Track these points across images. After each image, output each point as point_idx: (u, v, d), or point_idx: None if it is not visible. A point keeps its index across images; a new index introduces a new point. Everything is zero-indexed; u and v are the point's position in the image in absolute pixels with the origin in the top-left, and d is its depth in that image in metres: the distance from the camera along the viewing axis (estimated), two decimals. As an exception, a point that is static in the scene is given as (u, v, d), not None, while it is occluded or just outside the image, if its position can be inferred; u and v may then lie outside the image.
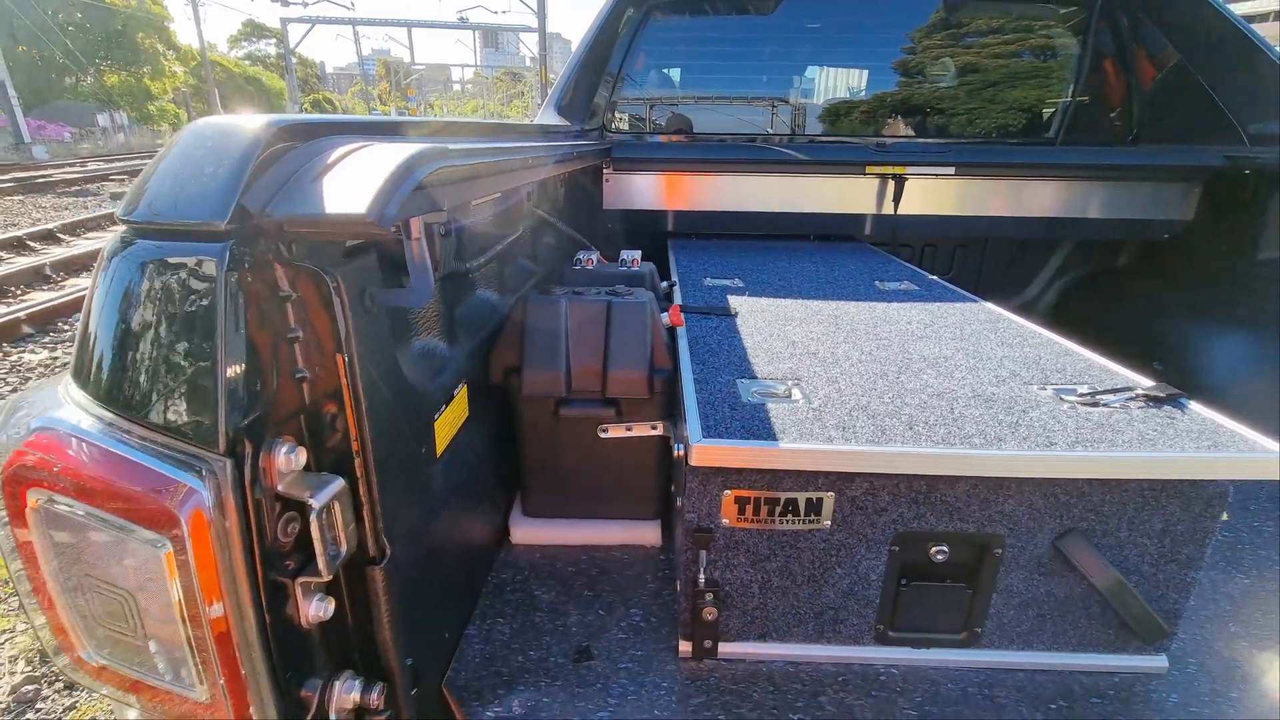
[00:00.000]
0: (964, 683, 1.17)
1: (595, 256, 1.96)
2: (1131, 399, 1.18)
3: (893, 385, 1.25)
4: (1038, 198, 2.72)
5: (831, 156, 2.63)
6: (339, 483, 0.65)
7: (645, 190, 2.75)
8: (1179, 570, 1.12)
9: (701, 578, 1.16)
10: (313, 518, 0.61)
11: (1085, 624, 1.17)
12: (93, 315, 0.59)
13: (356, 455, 0.69)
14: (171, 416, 0.55)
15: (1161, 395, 1.18)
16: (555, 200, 2.17)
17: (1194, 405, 1.18)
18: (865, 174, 2.62)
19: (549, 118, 2.48)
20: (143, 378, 0.56)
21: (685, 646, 1.23)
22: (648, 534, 1.59)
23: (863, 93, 3.25)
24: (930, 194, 2.71)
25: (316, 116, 0.69)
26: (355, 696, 0.73)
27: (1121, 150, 2.72)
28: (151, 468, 0.54)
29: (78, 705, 2.06)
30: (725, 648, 1.22)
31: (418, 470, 1.02)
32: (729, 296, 1.89)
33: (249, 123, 0.60)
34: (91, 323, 0.59)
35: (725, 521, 1.13)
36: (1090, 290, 3.07)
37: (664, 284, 1.98)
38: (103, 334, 0.58)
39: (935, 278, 2.17)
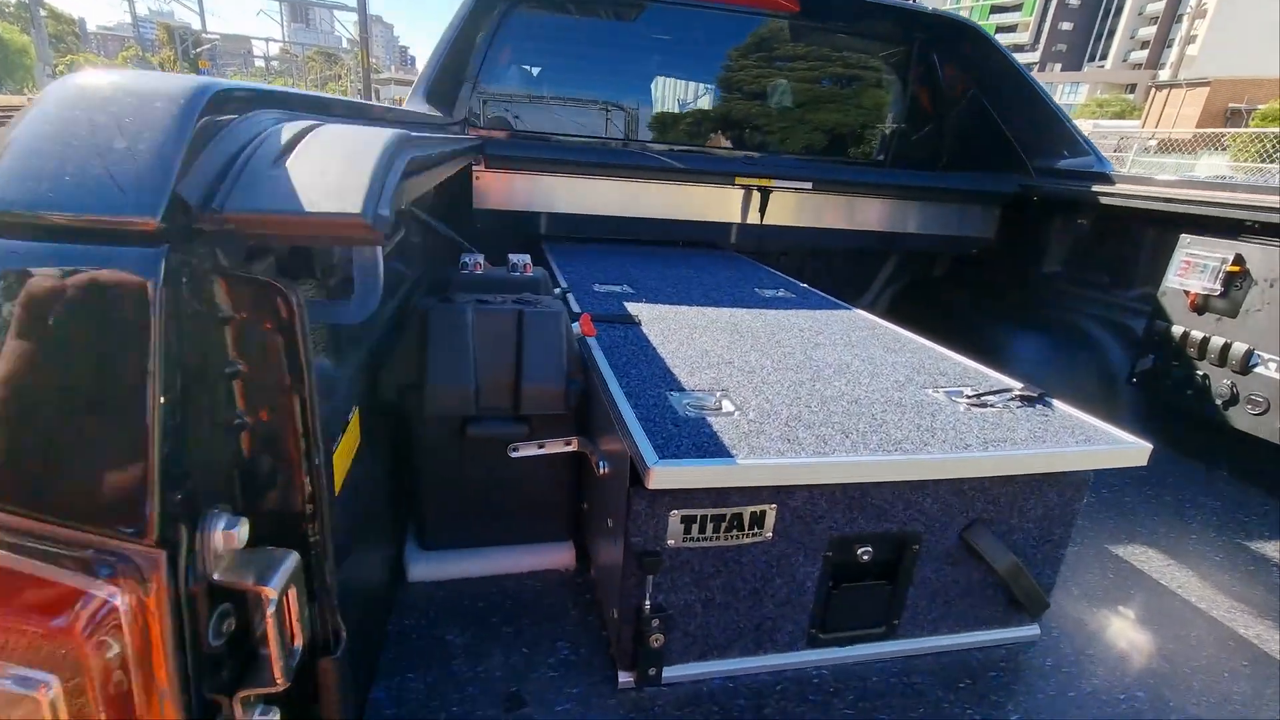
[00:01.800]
0: (886, 674, 1.24)
1: (481, 260, 1.81)
2: (1011, 399, 1.33)
3: (813, 394, 1.29)
4: (874, 213, 3.01)
5: (706, 166, 2.70)
6: (293, 558, 0.50)
7: (519, 190, 2.62)
8: (1053, 549, 1.28)
9: (648, 604, 1.10)
10: (269, 610, 0.46)
11: (980, 605, 1.30)
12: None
13: (309, 519, 0.54)
14: (76, 500, 0.38)
15: (1033, 395, 1.35)
16: (424, 197, 1.98)
17: (1057, 404, 1.36)
18: (734, 184, 2.72)
19: (418, 105, 2.26)
20: (25, 444, 0.38)
21: (626, 677, 1.17)
22: (561, 556, 1.50)
23: (718, 108, 3.39)
24: (788, 207, 2.89)
25: (248, 84, 0.53)
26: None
27: (939, 174, 3.12)
28: (44, 577, 0.36)
29: None
30: (667, 672, 1.18)
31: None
32: (625, 304, 1.85)
33: (166, 83, 0.44)
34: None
35: (671, 542, 1.09)
36: (915, 296, 3.48)
37: (556, 290, 1.88)
38: None
39: (805, 285, 2.31)
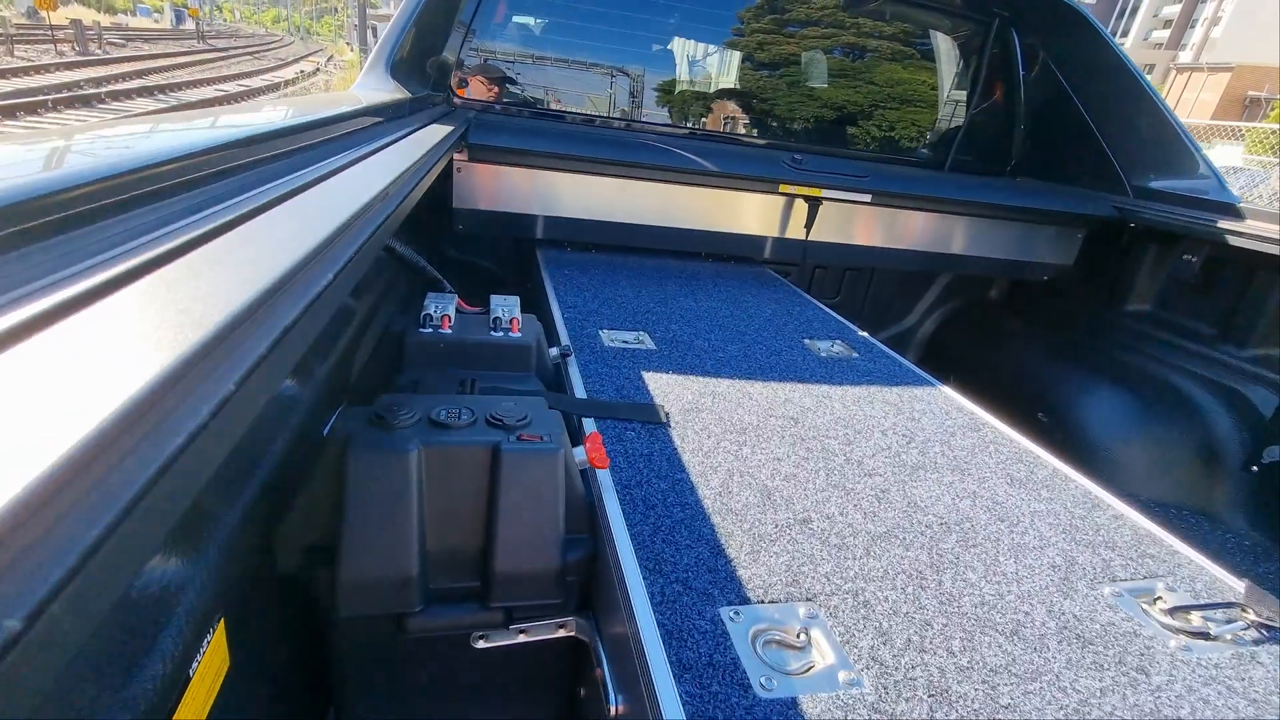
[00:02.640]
0: None
1: (453, 305, 1.33)
2: (1244, 628, 0.88)
3: (940, 603, 0.84)
4: (930, 229, 2.52)
5: (745, 170, 2.18)
6: None
7: (510, 188, 2.10)
8: None
9: None
10: None
11: None
12: None
13: None
14: None
15: (1276, 624, 0.90)
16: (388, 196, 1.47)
17: None
18: (777, 193, 2.22)
19: (378, 83, 1.72)
20: None
21: None
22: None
23: (750, 92, 2.84)
24: (836, 219, 2.39)
25: None
26: None
27: (1011, 185, 2.61)
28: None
29: None
30: None
31: None
32: (645, 376, 1.38)
33: None
34: None
35: None
36: (964, 323, 3.02)
37: (553, 350, 1.40)
38: None
39: (863, 334, 1.84)
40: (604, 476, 0.99)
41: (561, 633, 0.95)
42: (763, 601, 0.79)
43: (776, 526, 0.94)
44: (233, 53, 26.19)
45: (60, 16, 19.85)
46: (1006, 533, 1.00)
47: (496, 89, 2.51)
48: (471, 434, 0.87)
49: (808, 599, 0.81)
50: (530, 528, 0.86)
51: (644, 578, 0.79)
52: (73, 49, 17.67)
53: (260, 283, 0.51)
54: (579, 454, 0.96)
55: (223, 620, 0.71)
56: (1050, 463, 1.24)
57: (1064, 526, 1.04)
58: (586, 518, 0.95)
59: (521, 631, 0.93)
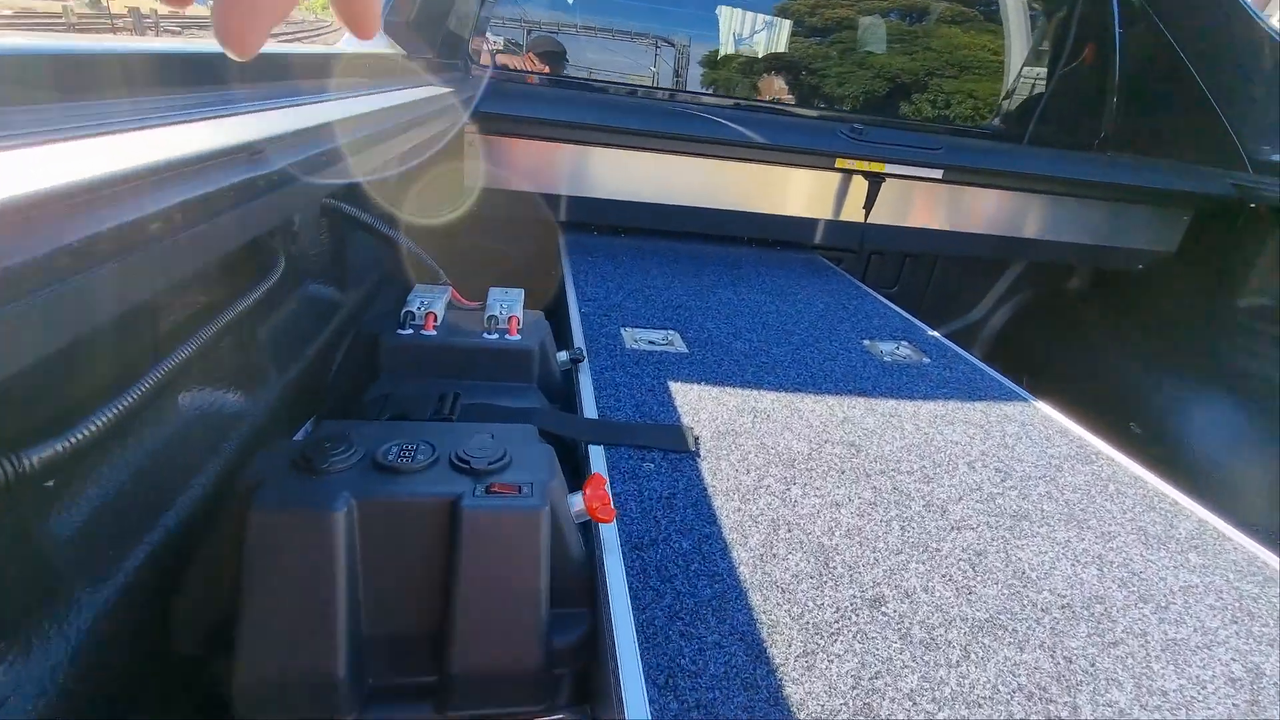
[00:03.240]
0: None
1: (444, 300, 1.11)
2: None
3: None
4: (1005, 209, 2.19)
5: (797, 142, 1.90)
6: None
7: (530, 164, 1.88)
8: None
9: None
10: None
11: None
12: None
13: None
14: None
15: None
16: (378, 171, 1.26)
17: None
18: (834, 169, 1.93)
19: (371, 42, 1.51)
20: None
21: None
22: None
23: (795, 56, 2.55)
24: (897, 198, 2.09)
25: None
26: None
27: (1108, 164, 2.25)
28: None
29: None
30: None
31: None
32: (672, 387, 1.14)
33: None
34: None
35: None
36: (1038, 317, 2.67)
37: (563, 355, 1.18)
38: None
39: (934, 333, 1.56)
40: (607, 531, 0.76)
41: (549, 728, 0.73)
42: None
43: (838, 610, 0.69)
44: (282, 36, 26.64)
45: (120, 5, 20.44)
46: (1155, 622, 0.73)
47: (522, 61, 2.28)
48: (425, 482, 0.65)
49: None
50: (502, 611, 0.63)
51: (651, 700, 0.56)
52: (130, 36, 18.17)
53: None
54: (575, 502, 0.73)
55: None
56: (1193, 510, 0.96)
57: (1230, 610, 0.77)
58: (585, 585, 0.72)
59: (496, 728, 0.72)
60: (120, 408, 0.52)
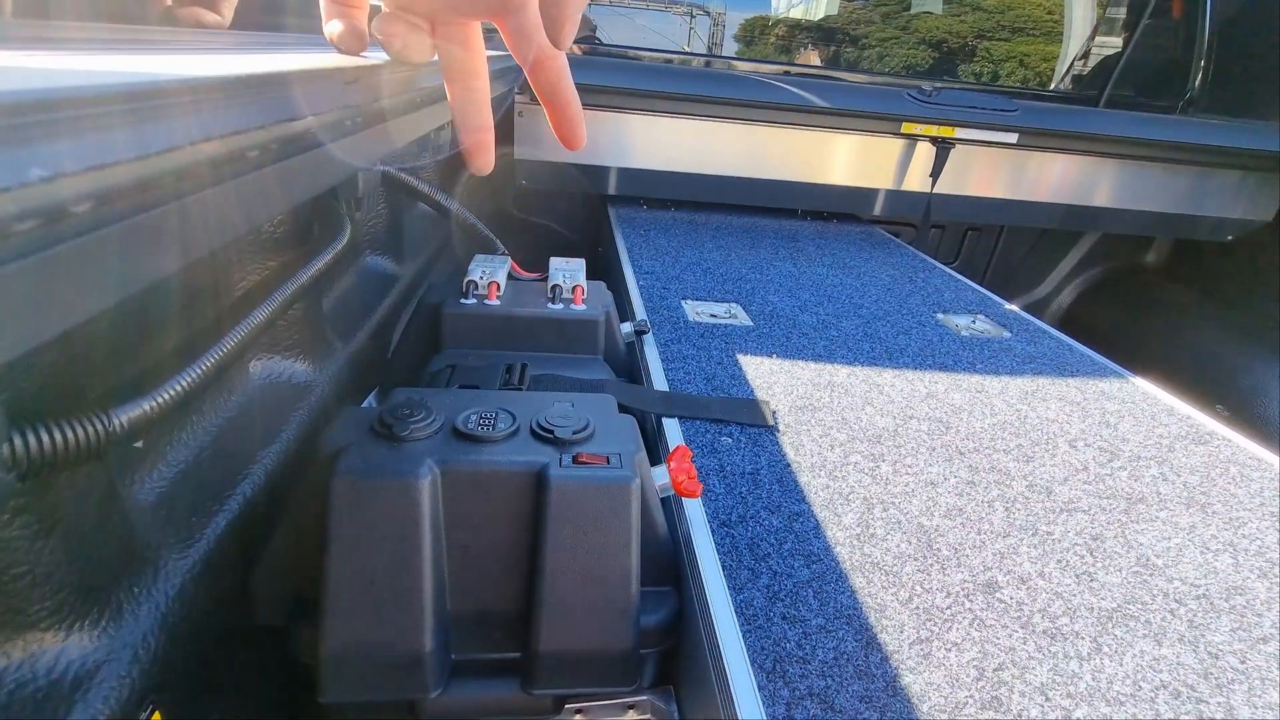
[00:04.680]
0: None
1: (505, 270, 1.08)
2: None
3: None
4: (1078, 176, 2.05)
5: (859, 105, 1.81)
6: None
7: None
8: None
9: None
10: None
11: None
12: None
13: None
14: None
15: None
16: (433, 148, 1.23)
17: None
18: (899, 134, 1.83)
19: None
20: None
21: None
22: None
23: (870, 26, 2.43)
24: (966, 166, 1.97)
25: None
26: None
27: (1196, 124, 2.08)
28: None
29: None
30: None
31: None
32: (741, 360, 1.09)
33: None
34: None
35: None
36: (1112, 294, 2.52)
37: (627, 327, 1.13)
38: None
39: (1011, 306, 1.47)
40: (693, 507, 0.71)
41: (632, 715, 0.70)
42: None
43: (949, 595, 0.64)
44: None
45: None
46: None
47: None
48: (510, 451, 0.61)
49: None
50: (591, 588, 0.60)
51: (760, 686, 0.52)
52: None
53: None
54: (659, 475, 0.68)
55: (155, 712, 0.49)
56: None
57: None
58: (669, 562, 0.68)
59: (578, 713, 0.69)
60: (202, 369, 0.49)
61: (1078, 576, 0.68)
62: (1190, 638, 0.61)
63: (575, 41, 2.20)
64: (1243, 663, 0.59)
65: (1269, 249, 2.11)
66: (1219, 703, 0.55)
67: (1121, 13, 2.35)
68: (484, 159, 0.46)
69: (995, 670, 0.56)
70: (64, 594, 0.43)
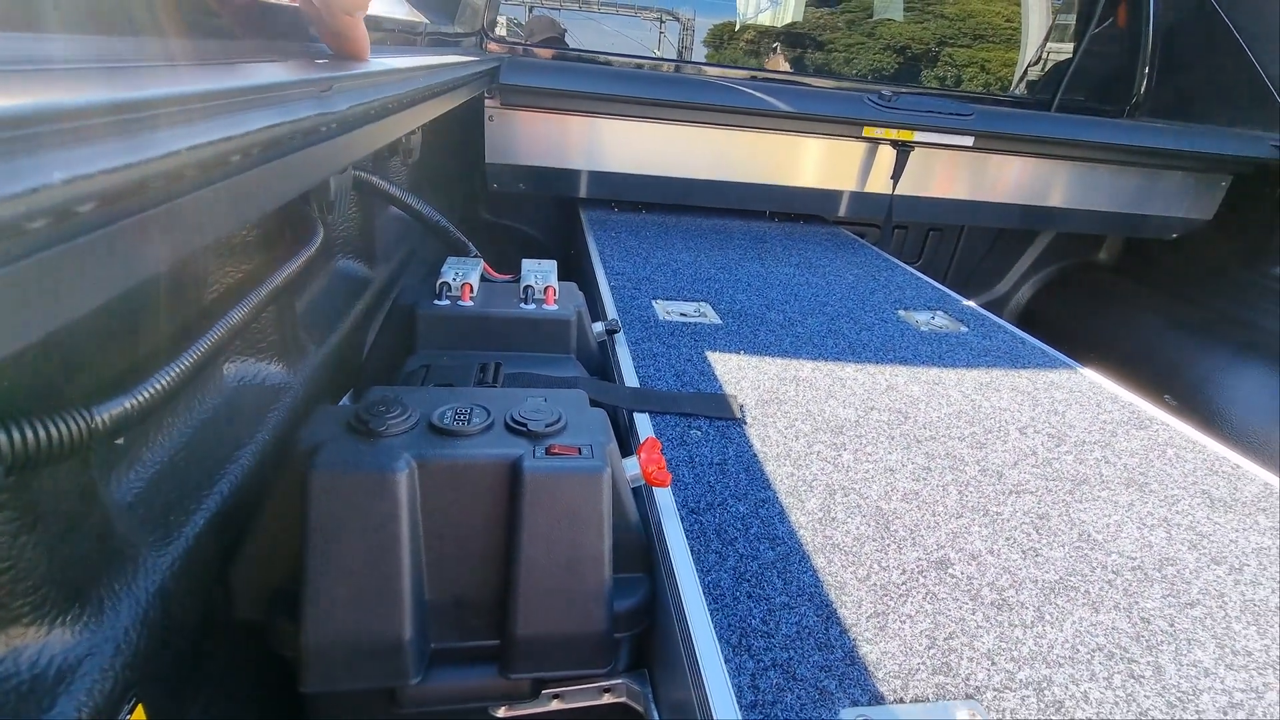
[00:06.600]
0: None
1: (478, 272, 1.10)
2: None
3: (1168, 704, 0.57)
4: (1033, 178, 2.13)
5: (822, 109, 1.86)
6: None
7: (550, 139, 1.85)
8: None
9: None
10: None
11: None
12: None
13: None
14: None
15: None
16: (404, 152, 1.24)
17: None
18: (860, 137, 1.89)
19: (392, 7, 1.48)
20: None
21: None
22: None
23: (834, 32, 2.49)
24: (925, 168, 2.04)
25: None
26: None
27: (1142, 130, 2.18)
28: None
29: None
30: None
31: None
32: (710, 357, 1.12)
33: None
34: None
35: None
36: (1067, 290, 2.62)
37: (598, 326, 1.16)
38: None
39: (969, 303, 1.53)
40: (663, 496, 0.74)
41: (608, 699, 0.72)
42: (902, 700, 0.54)
43: (904, 572, 0.67)
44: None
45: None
46: (1231, 584, 0.71)
47: (538, 37, 2.24)
48: (484, 444, 0.63)
49: (969, 695, 0.55)
50: (565, 574, 0.62)
51: (726, 659, 0.55)
52: None
53: None
54: (630, 466, 0.71)
55: (139, 705, 0.51)
56: (1257, 474, 0.93)
57: None
58: (641, 549, 0.70)
59: (555, 698, 0.71)
60: (180, 369, 0.50)
61: (1024, 552, 0.72)
62: (1125, 605, 0.66)
63: (543, 45, 2.22)
64: (1171, 625, 0.64)
65: (1210, 246, 2.22)
66: (1148, 661, 0.60)
67: (1072, 20, 2.45)
68: (360, 42, 0.41)
69: (946, 639, 0.60)
70: (46, 589, 0.44)
